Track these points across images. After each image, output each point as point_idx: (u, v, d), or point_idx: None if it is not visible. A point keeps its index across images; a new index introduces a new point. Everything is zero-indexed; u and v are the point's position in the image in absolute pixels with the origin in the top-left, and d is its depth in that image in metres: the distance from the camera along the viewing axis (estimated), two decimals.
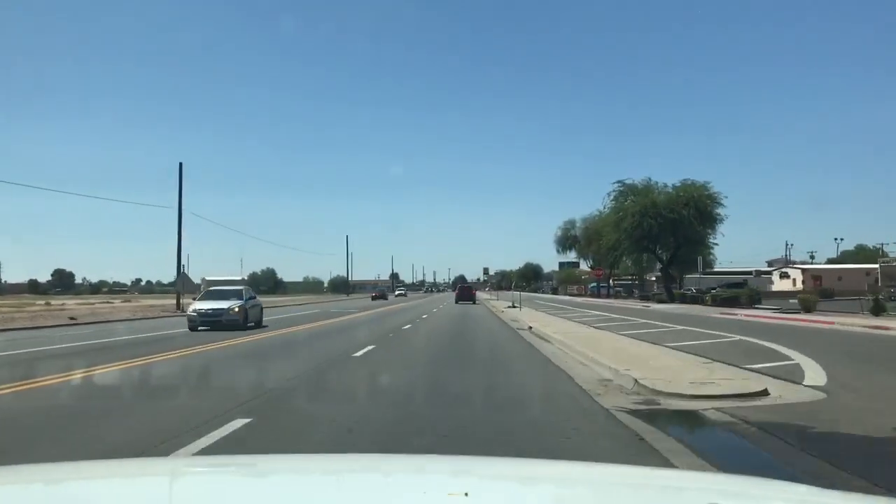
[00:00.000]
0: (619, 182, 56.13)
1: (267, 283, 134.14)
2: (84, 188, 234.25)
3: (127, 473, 2.43)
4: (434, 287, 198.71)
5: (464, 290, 63.91)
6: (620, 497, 2.07)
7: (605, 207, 59.02)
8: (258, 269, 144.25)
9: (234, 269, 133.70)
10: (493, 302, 58.17)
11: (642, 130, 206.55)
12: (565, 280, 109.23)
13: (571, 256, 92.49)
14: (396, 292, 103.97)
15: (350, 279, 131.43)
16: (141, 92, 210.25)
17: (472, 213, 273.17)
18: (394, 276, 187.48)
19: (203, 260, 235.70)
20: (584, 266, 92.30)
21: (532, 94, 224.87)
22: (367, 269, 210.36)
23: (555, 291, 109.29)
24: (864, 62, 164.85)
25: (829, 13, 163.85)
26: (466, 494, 1.72)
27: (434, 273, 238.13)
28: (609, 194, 56.68)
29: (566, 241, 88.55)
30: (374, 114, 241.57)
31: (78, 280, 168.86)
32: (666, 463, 5.43)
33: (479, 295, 73.11)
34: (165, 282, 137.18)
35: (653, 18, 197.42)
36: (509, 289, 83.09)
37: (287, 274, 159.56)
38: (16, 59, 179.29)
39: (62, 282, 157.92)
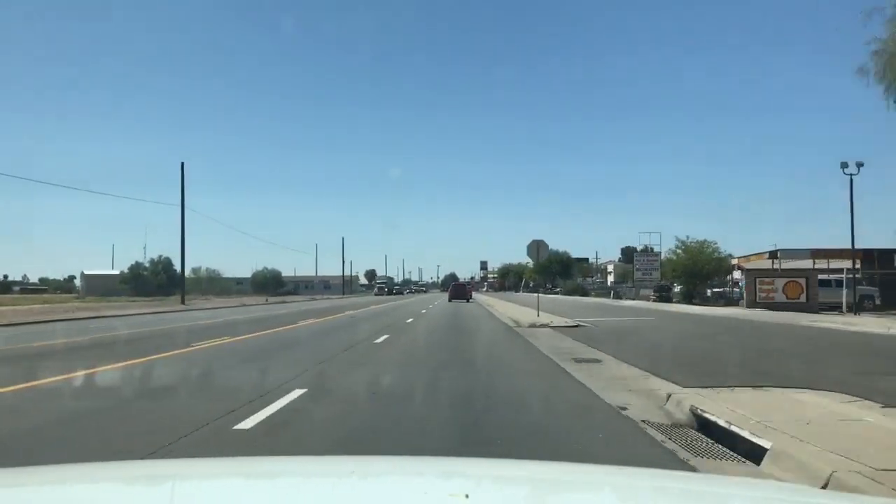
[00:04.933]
0: None
1: (157, 278, 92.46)
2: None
3: (128, 476, 2.38)
4: (395, 286, 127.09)
5: (457, 288, 62.08)
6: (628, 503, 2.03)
7: None
8: (192, 261, 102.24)
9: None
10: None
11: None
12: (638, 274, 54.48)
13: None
14: None
15: (317, 273, 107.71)
16: (145, 92, 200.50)
17: (467, 213, 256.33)
18: (370, 273, 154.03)
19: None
20: None
21: (530, 92, 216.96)
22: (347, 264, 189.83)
23: (616, 294, 63.00)
24: None
25: None
26: (467, 496, 1.73)
27: (420, 270, 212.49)
28: None
29: None
30: (370, 115, 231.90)
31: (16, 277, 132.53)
32: None
33: (488, 300, 65.07)
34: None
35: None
36: (516, 289, 65.23)
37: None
38: None
39: None
